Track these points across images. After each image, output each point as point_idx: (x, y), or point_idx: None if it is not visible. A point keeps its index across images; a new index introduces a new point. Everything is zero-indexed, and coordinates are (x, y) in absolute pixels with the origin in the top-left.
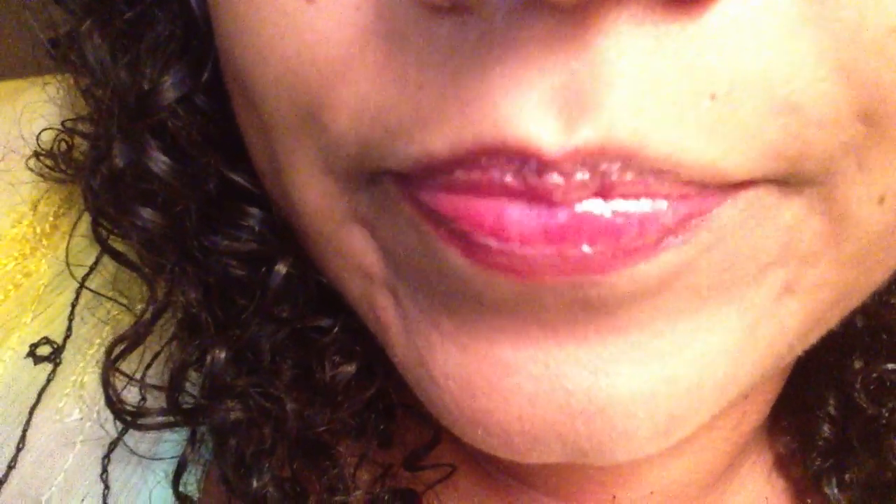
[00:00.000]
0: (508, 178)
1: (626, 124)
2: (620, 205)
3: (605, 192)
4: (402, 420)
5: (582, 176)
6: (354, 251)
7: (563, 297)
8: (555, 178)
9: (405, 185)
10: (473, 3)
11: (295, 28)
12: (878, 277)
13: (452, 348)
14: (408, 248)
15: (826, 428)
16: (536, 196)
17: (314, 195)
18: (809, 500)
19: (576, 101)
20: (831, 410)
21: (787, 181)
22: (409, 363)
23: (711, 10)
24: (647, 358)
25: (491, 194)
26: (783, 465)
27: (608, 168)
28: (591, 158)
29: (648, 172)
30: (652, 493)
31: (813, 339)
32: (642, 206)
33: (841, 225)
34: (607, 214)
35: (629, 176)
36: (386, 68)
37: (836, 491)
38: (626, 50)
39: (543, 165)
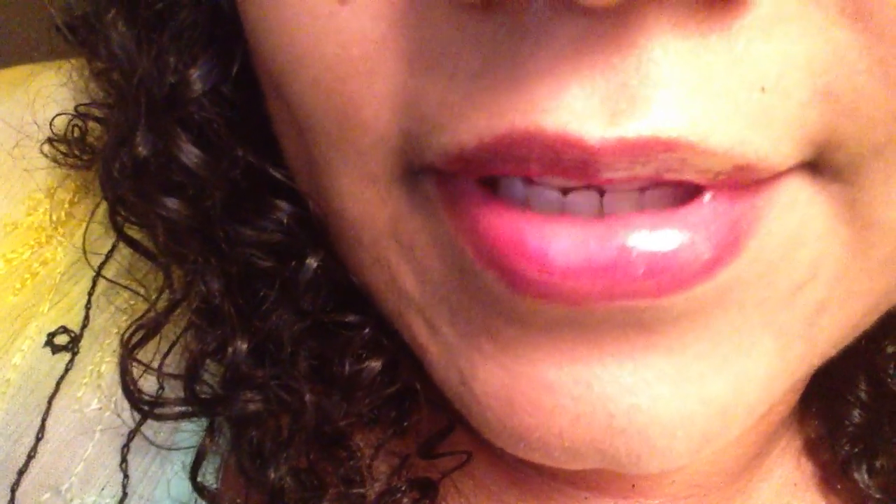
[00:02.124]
0: (540, 168)
1: (681, 119)
2: (669, 235)
3: (650, 180)
4: (419, 408)
5: (627, 168)
6: (391, 269)
7: (613, 317)
8: (600, 173)
9: (446, 193)
10: (505, 2)
11: (330, 30)
12: None
13: (495, 368)
14: (446, 270)
15: (856, 413)
16: (571, 174)
17: (354, 204)
18: (839, 486)
19: (622, 97)
20: (862, 395)
21: (818, 167)
22: (451, 381)
23: (754, 4)
24: (687, 380)
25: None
26: (813, 449)
27: (660, 160)
28: (640, 151)
29: (705, 164)
30: (674, 482)
31: (846, 342)
32: (686, 233)
33: (868, 231)
34: (659, 248)
35: (684, 168)
36: (419, 56)
37: (865, 477)
38: (671, 49)
39: (584, 155)
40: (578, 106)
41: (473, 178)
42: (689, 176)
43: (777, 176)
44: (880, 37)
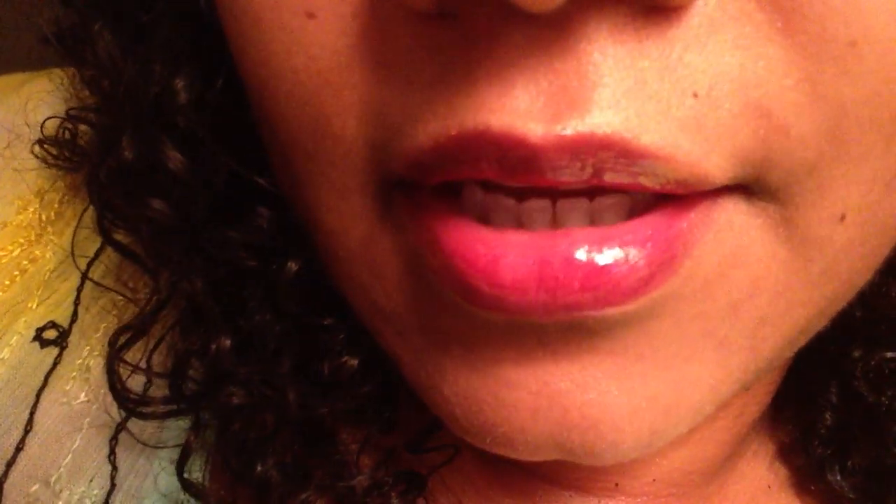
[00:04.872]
0: (490, 168)
1: (616, 118)
2: (607, 252)
3: (592, 183)
4: (404, 405)
5: (569, 167)
6: (364, 285)
7: (560, 324)
8: (541, 168)
9: (411, 206)
10: (457, 8)
11: (300, 43)
12: (856, 282)
13: (462, 369)
14: (414, 285)
15: (827, 416)
16: (518, 174)
17: (330, 218)
18: (813, 488)
19: (562, 97)
20: (832, 399)
21: (752, 190)
22: (421, 385)
23: (690, 13)
24: (630, 378)
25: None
26: (786, 453)
27: (597, 159)
28: (578, 149)
29: (638, 165)
30: (654, 480)
31: (798, 346)
32: (623, 250)
33: (805, 248)
34: (601, 262)
35: (619, 167)
36: (381, 67)
37: (838, 478)
38: (609, 53)
39: (528, 153)
40: (523, 107)
41: (434, 186)
42: (626, 179)
43: (713, 195)
44: (807, 53)
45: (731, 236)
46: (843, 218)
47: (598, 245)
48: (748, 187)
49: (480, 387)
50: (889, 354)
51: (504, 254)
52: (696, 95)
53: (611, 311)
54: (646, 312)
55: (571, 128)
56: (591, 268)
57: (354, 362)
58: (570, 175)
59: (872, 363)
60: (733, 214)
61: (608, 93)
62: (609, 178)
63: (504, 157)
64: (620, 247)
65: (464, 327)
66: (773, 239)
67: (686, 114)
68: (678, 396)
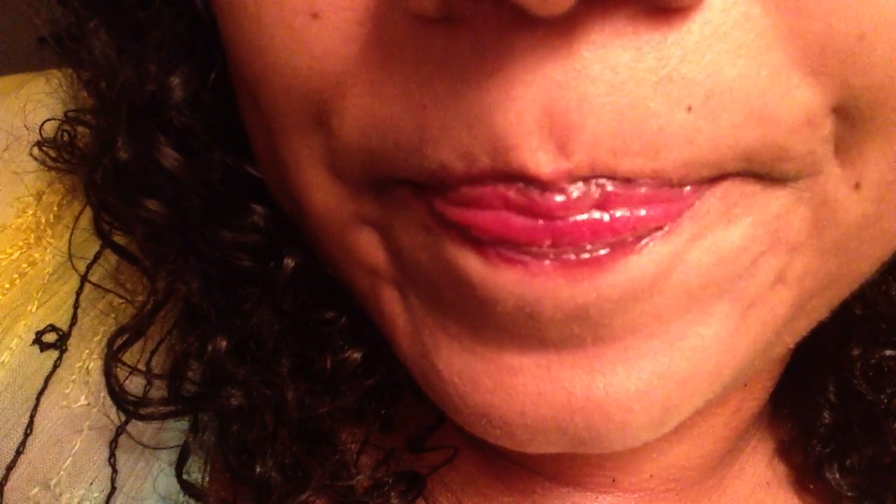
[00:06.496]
0: (512, 195)
1: (609, 142)
2: (620, 212)
3: (601, 203)
4: (404, 403)
5: (577, 191)
6: (361, 250)
7: (561, 309)
8: (555, 197)
9: (417, 193)
10: (463, 13)
11: (303, 42)
12: (863, 268)
13: (459, 349)
14: (417, 250)
15: (826, 414)
16: (538, 211)
17: (321, 196)
18: (812, 486)
19: (563, 121)
20: (831, 397)
21: (765, 177)
22: (414, 355)
23: (692, 20)
24: (640, 357)
25: (495, 207)
26: (785, 451)
27: (600, 182)
28: (583, 175)
29: (635, 182)
30: (651, 476)
31: (801, 329)
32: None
33: (822, 210)
34: (604, 219)
35: (619, 187)
36: (388, 83)
37: (837, 476)
38: (608, 61)
39: (543, 186)
40: (534, 140)
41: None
42: (630, 201)
43: (716, 179)
44: (812, 52)
45: (744, 197)
46: (858, 186)
47: (603, 205)
48: (758, 174)
49: (479, 370)
50: (888, 353)
51: (513, 217)
52: (689, 109)
53: (613, 276)
54: (650, 279)
55: (574, 161)
56: (599, 224)
57: (357, 355)
58: (578, 194)
59: (872, 361)
60: (743, 185)
61: (603, 115)
62: (614, 200)
63: (521, 190)
64: (623, 205)
65: (467, 303)
66: (796, 200)
67: (679, 126)
68: (693, 367)
